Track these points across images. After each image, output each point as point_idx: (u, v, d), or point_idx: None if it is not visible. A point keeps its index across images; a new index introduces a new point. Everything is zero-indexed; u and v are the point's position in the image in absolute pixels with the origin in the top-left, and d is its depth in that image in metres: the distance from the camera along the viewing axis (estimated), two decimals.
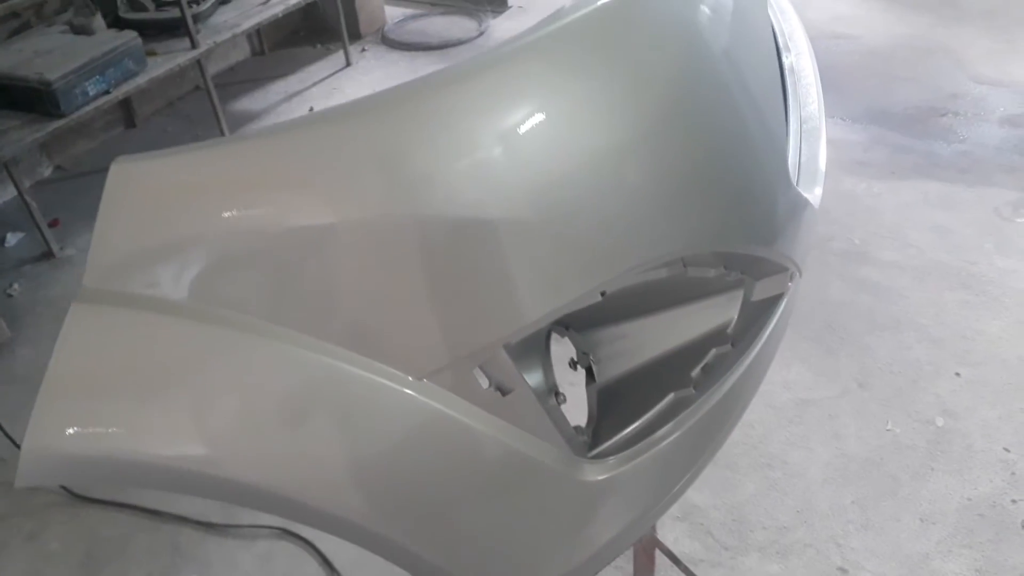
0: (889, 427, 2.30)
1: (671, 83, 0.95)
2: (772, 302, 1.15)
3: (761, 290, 1.15)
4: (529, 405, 0.93)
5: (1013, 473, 2.14)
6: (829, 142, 1.34)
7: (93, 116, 3.54)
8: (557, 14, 0.93)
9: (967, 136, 3.61)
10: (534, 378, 1.21)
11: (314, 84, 4.68)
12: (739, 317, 1.15)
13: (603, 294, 0.91)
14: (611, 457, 1.02)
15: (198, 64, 3.88)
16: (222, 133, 4.09)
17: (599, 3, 0.92)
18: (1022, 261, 2.87)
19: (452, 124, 0.85)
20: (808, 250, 1.27)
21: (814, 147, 1.36)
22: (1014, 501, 2.07)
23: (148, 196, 0.83)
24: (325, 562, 2.08)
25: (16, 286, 3.20)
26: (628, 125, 0.92)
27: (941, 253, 2.93)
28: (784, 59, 1.42)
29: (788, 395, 2.43)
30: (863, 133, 3.69)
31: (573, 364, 1.18)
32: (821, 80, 1.39)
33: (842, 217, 3.16)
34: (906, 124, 3.74)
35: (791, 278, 1.18)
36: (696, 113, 0.99)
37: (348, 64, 4.87)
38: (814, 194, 1.26)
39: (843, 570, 1.95)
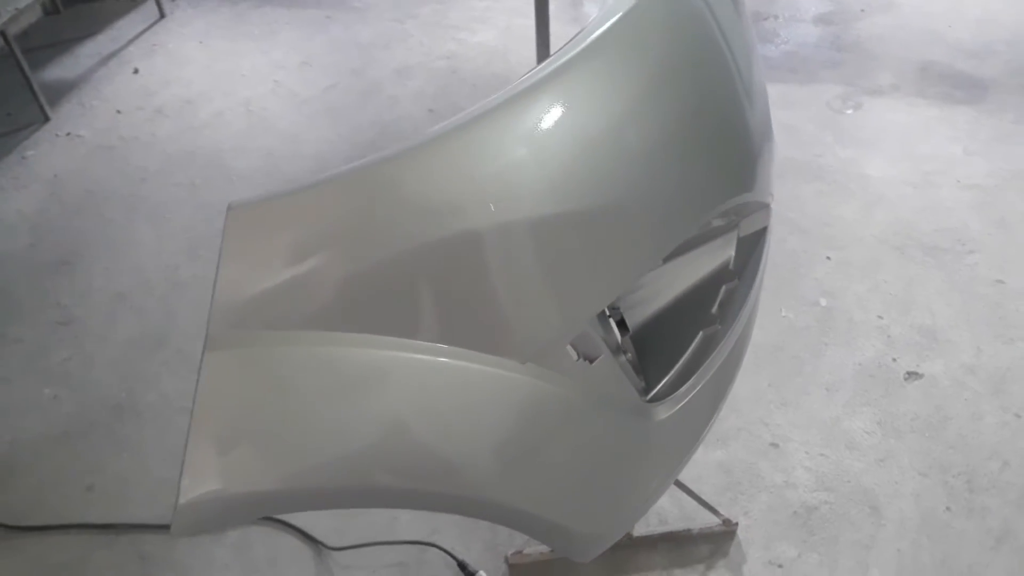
0: (784, 314, 2.61)
1: (690, 73, 1.04)
2: (759, 234, 1.30)
3: (749, 225, 1.30)
4: (611, 368, 1.03)
5: (889, 336, 2.52)
6: None
7: None
8: (587, 28, 0.99)
9: (789, 37, 3.96)
10: (609, 338, 1.29)
11: (130, 42, 4.28)
12: (736, 253, 1.29)
13: None
14: (667, 398, 1.14)
15: (1, 32, 3.45)
16: (41, 109, 3.68)
17: (620, 15, 0.98)
18: (858, 150, 3.27)
19: (539, 133, 0.90)
20: (774, 181, 1.42)
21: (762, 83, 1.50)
22: (894, 360, 2.44)
23: (267, 238, 0.82)
24: (306, 536, 2.09)
25: None
26: (664, 115, 1.01)
27: (792, 150, 3.26)
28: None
29: None
30: None
31: (604, 316, 1.28)
32: None
33: None
34: None
35: (770, 210, 1.33)
36: (710, 88, 1.09)
37: (162, 16, 4.49)
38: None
39: (775, 444, 2.24)
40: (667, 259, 1.27)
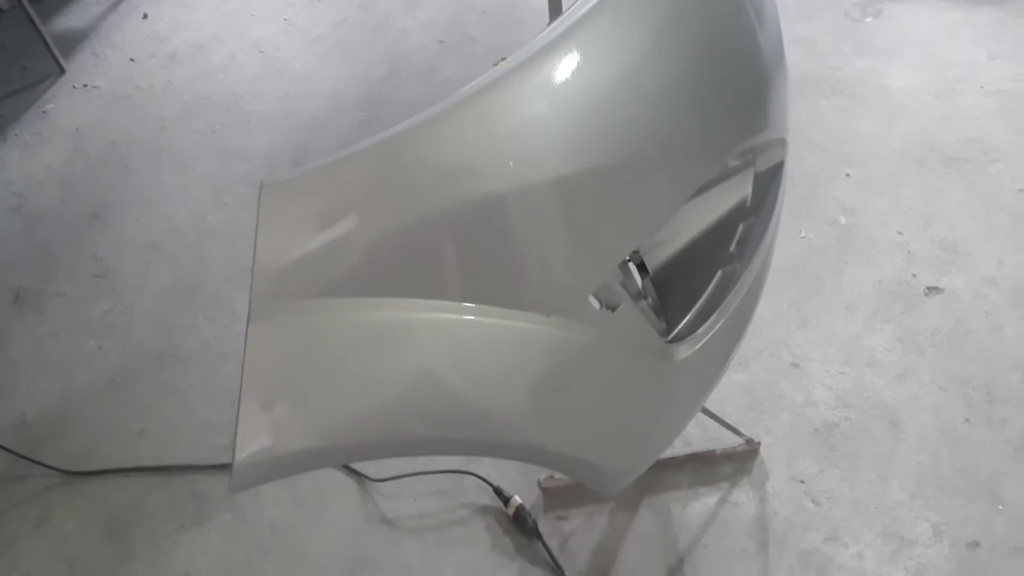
0: (803, 234, 2.62)
1: (701, 8, 1.05)
2: (776, 170, 1.32)
3: (765, 161, 1.31)
4: (633, 313, 1.07)
5: (909, 252, 2.53)
6: None
7: None
8: None
9: None
10: (629, 284, 1.33)
11: None
12: (753, 190, 1.32)
13: None
14: (687, 337, 1.19)
15: None
16: (56, 62, 3.69)
17: None
18: (877, 59, 3.20)
19: (555, 89, 0.92)
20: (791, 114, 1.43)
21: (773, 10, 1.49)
22: (914, 275, 2.47)
23: (298, 213, 0.87)
24: (349, 470, 2.21)
25: None
26: (676, 60, 1.02)
27: (810, 64, 3.20)
28: None
29: None
30: None
31: (624, 262, 1.32)
32: None
33: None
34: None
35: (786, 145, 1.34)
36: (718, 25, 1.09)
37: None
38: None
39: (795, 364, 2.30)
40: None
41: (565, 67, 0.95)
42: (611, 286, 1.02)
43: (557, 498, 2.08)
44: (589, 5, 0.97)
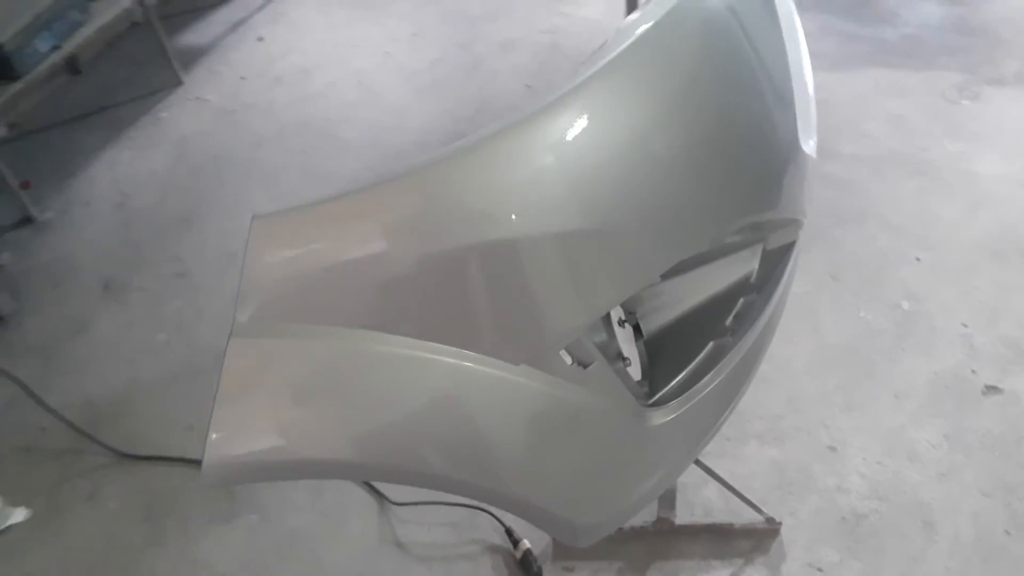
0: (862, 314, 2.56)
1: (715, 88, 1.08)
2: (786, 249, 1.32)
3: (776, 240, 1.32)
4: (605, 373, 1.10)
5: (972, 346, 2.43)
6: None
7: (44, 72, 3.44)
8: (610, 41, 1.04)
9: (910, 19, 3.76)
10: (602, 346, 1.37)
11: (258, 10, 4.54)
12: (760, 266, 1.32)
13: None
14: (669, 403, 1.20)
15: (140, 2, 3.76)
16: (175, 74, 4.00)
17: (650, 24, 1.03)
18: (969, 143, 3.10)
19: (560, 145, 0.97)
20: (810, 198, 1.43)
21: (805, 97, 1.50)
22: (974, 371, 2.36)
23: (287, 245, 0.94)
24: (372, 489, 2.27)
25: (5, 255, 3.19)
26: (683, 132, 1.05)
27: (896, 141, 3.13)
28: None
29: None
30: (812, 22, 3.81)
31: (621, 323, 1.35)
32: None
33: None
34: (853, 9, 3.87)
35: (800, 226, 1.35)
36: (730, 106, 1.12)
37: None
38: (810, 146, 1.41)
39: (832, 448, 2.23)
40: (688, 269, 1.31)
41: (575, 124, 0.99)
42: (584, 343, 1.05)
43: (567, 548, 2.08)
44: (608, 58, 1.02)
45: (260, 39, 4.30)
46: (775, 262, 1.31)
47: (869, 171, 3.03)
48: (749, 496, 2.04)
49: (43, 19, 3.27)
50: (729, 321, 1.29)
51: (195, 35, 4.40)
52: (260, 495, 2.33)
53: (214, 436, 0.92)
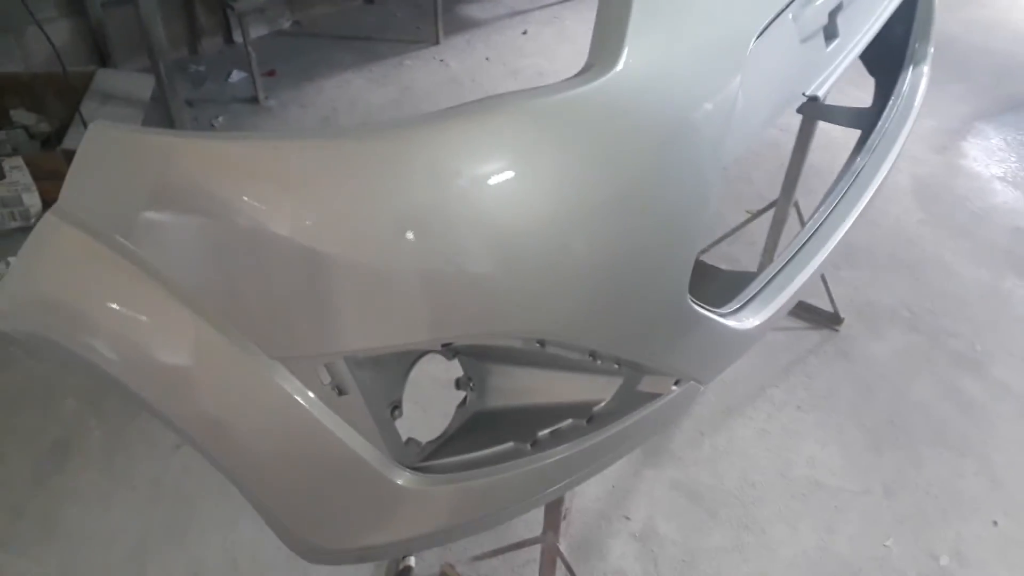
0: (888, 543, 2.22)
1: (611, 185, 1.03)
2: (648, 398, 1.22)
3: (645, 384, 1.22)
4: (359, 408, 1.10)
5: None
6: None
7: None
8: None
9: None
10: (385, 389, 1.32)
11: (539, 7, 4.80)
12: (610, 402, 1.23)
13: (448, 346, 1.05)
14: (437, 473, 1.17)
15: None
16: (436, 33, 4.36)
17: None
18: None
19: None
20: (720, 365, 1.30)
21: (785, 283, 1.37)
22: None
23: (118, 158, 1.06)
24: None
25: (220, 119, 3.73)
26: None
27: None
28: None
29: (806, 471, 2.39)
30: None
31: (457, 384, 1.33)
32: None
33: (979, 315, 2.90)
34: None
35: (677, 383, 1.24)
36: (606, 215, 1.06)
37: None
38: (747, 322, 1.28)
39: None
40: (545, 366, 1.25)
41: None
42: (340, 369, 1.06)
43: None
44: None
45: (524, 33, 4.55)
46: (630, 404, 1.21)
47: (1010, 408, 2.59)
48: None
49: None
50: (543, 434, 1.21)
51: (476, 8, 4.76)
52: None
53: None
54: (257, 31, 4.34)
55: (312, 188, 1.00)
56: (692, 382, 1.26)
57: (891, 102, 1.85)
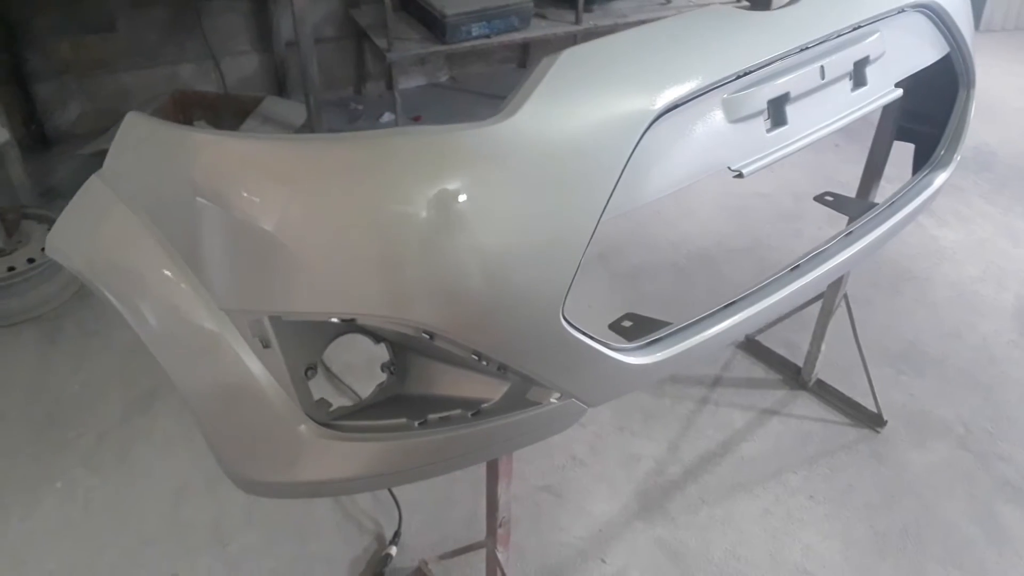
0: None
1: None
2: (529, 404, 1.39)
3: (533, 394, 1.40)
4: (277, 362, 1.37)
5: None
6: None
7: (491, 49, 4.35)
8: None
9: None
10: (303, 351, 1.46)
11: None
12: (498, 403, 1.42)
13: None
14: (332, 431, 1.41)
15: (574, 38, 4.50)
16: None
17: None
18: None
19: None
20: (606, 391, 1.45)
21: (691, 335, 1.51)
22: None
23: (148, 143, 1.40)
24: None
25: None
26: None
27: None
28: None
29: (798, 558, 2.36)
30: None
31: (381, 367, 1.56)
32: None
33: None
34: None
35: (559, 397, 1.40)
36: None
37: None
38: (639, 359, 1.43)
39: None
40: (451, 361, 1.44)
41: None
42: (267, 326, 1.34)
43: None
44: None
45: None
46: (512, 406, 1.39)
47: None
48: None
49: (487, 13, 4.17)
50: (432, 416, 1.40)
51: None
52: None
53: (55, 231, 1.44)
54: (416, 81, 4.88)
55: (258, 177, 1.29)
56: (573, 400, 1.42)
57: (887, 200, 1.91)
